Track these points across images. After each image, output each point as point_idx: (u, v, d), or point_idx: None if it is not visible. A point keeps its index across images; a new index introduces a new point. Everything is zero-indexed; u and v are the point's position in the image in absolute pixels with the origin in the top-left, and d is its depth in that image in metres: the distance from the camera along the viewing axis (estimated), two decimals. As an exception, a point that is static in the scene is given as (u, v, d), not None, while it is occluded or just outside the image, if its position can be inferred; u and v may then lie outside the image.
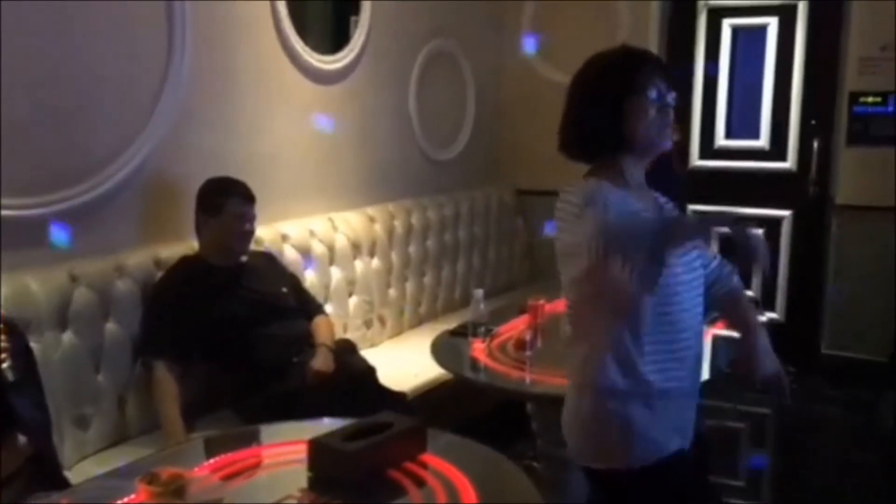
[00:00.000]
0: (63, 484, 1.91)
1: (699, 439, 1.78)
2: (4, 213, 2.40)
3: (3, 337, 1.73)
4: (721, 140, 4.72)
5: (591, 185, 1.65)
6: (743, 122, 4.69)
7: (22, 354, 1.93)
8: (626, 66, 1.70)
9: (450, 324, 3.04)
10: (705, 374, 1.86)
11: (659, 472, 1.67)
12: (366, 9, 3.76)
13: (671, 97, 1.69)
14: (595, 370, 1.68)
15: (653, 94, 1.66)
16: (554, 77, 4.70)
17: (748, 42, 4.64)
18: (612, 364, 1.65)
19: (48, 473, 1.90)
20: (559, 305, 2.96)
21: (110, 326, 2.60)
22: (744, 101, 4.68)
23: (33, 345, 2.27)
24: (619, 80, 1.67)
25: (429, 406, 2.95)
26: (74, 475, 2.23)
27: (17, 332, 1.97)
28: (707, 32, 4.69)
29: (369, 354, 3.10)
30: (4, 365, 1.70)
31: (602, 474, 1.73)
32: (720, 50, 4.66)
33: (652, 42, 4.53)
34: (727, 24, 4.65)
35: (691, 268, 1.71)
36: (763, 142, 4.62)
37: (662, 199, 1.81)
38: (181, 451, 2.14)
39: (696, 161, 4.74)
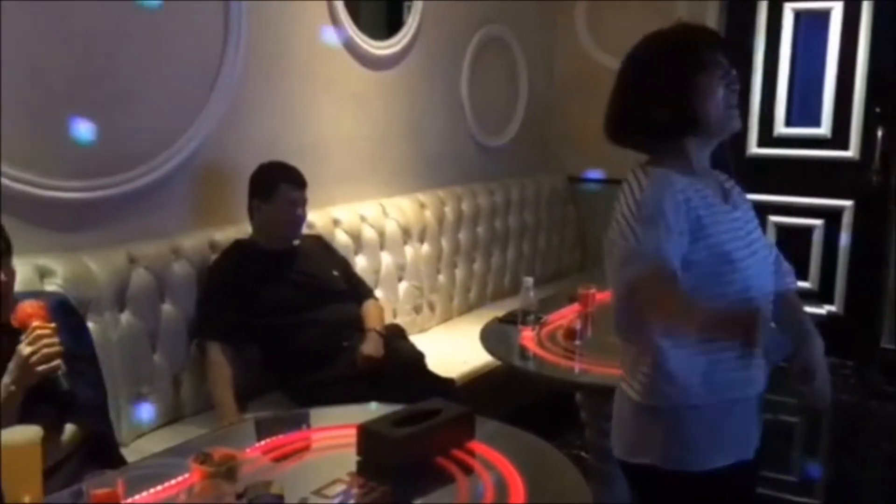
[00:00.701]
0: (119, 462, 1.94)
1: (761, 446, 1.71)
2: (66, 195, 2.47)
3: (56, 340, 1.72)
4: (781, 128, 4.60)
5: (659, 179, 1.56)
6: (804, 109, 4.56)
7: (78, 335, 1.96)
8: (692, 42, 1.62)
9: (499, 311, 3.03)
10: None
11: (704, 483, 1.61)
12: (420, -8, 3.76)
13: (735, 76, 1.61)
14: (648, 369, 1.61)
15: (720, 71, 1.58)
16: (607, 63, 4.64)
17: (810, 27, 4.51)
18: (665, 365, 1.58)
19: (105, 451, 1.94)
20: (610, 294, 2.94)
21: (166, 307, 2.66)
22: (805, 88, 4.55)
23: (92, 324, 2.33)
24: (686, 57, 1.59)
25: (477, 393, 2.94)
26: (131, 452, 2.28)
27: (73, 314, 2.00)
28: (768, 16, 4.56)
29: (418, 340, 3.11)
30: (60, 371, 1.71)
31: (640, 472, 1.69)
32: (781, 35, 4.54)
33: (710, 26, 4.43)
34: (789, 9, 4.52)
35: (760, 258, 1.63)
36: (825, 130, 4.48)
37: (728, 183, 1.72)
38: (233, 432, 2.16)
39: (754, 149, 4.63)
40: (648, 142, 1.66)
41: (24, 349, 1.69)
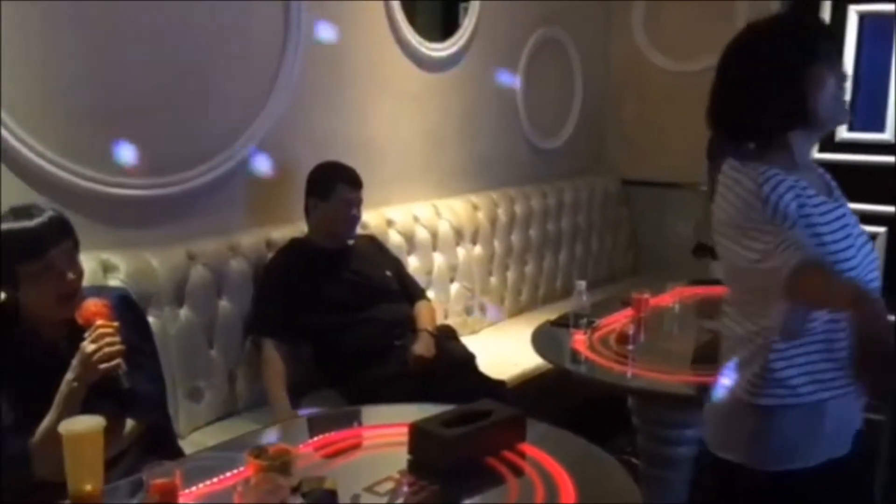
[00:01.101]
0: (178, 454, 1.99)
1: (858, 444, 1.66)
2: (129, 192, 2.54)
3: (118, 339, 1.76)
4: (843, 133, 4.48)
5: (771, 180, 1.51)
6: (868, 114, 4.43)
7: (139, 329, 2.00)
8: (805, 30, 1.58)
9: (550, 314, 3.02)
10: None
11: (802, 480, 1.58)
12: (476, -5, 3.76)
13: (843, 67, 1.59)
14: (760, 369, 1.57)
15: (831, 61, 1.55)
16: (664, 65, 4.59)
17: (875, 30, 4.39)
18: (777, 361, 1.55)
19: (163, 443, 1.98)
20: (664, 299, 2.91)
21: (223, 304, 2.71)
22: (869, 93, 4.43)
23: (152, 319, 2.39)
24: (800, 45, 1.55)
25: (527, 396, 2.94)
26: (187, 445, 2.33)
27: (135, 309, 2.05)
28: (832, 19, 4.45)
29: (469, 341, 3.11)
30: (121, 370, 1.76)
31: (736, 469, 1.63)
32: (845, 38, 4.42)
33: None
34: (853, 11, 4.40)
35: (865, 253, 1.60)
36: (889, 135, 4.36)
37: (829, 179, 1.69)
38: (286, 428, 2.19)
39: (816, 154, 4.52)
40: (752, 135, 1.62)
41: (88, 346, 1.74)
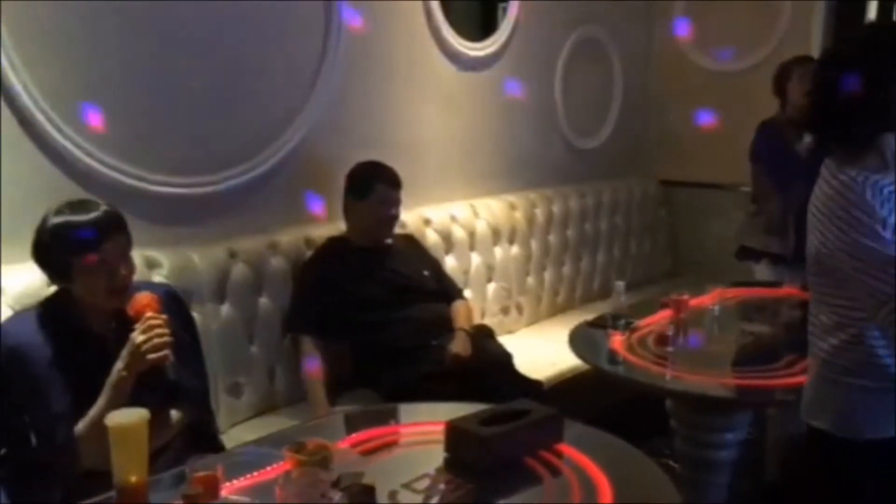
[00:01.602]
0: (219, 448, 2.02)
1: None
2: (172, 190, 2.58)
3: (167, 331, 1.80)
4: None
5: (869, 184, 1.61)
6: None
7: (185, 325, 2.04)
8: (892, 45, 1.66)
9: (587, 315, 3.01)
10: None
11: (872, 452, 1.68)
12: (515, -5, 3.76)
13: None
14: (853, 344, 1.69)
15: None
16: (705, 65, 4.54)
17: (924, 27, 4.30)
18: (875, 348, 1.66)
19: (206, 438, 2.01)
20: (704, 301, 2.88)
21: (263, 301, 2.74)
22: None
23: (195, 315, 2.41)
24: (887, 60, 1.64)
25: (564, 396, 2.93)
26: (228, 440, 2.35)
27: (181, 304, 2.09)
28: (878, 15, 4.36)
29: (505, 341, 3.11)
30: (169, 362, 1.80)
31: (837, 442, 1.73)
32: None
33: (815, 31, 4.26)
34: (901, 10, 4.31)
35: None
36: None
37: None
38: (324, 424, 2.22)
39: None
40: (846, 136, 1.70)
41: (137, 337, 1.78)
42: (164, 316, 1.82)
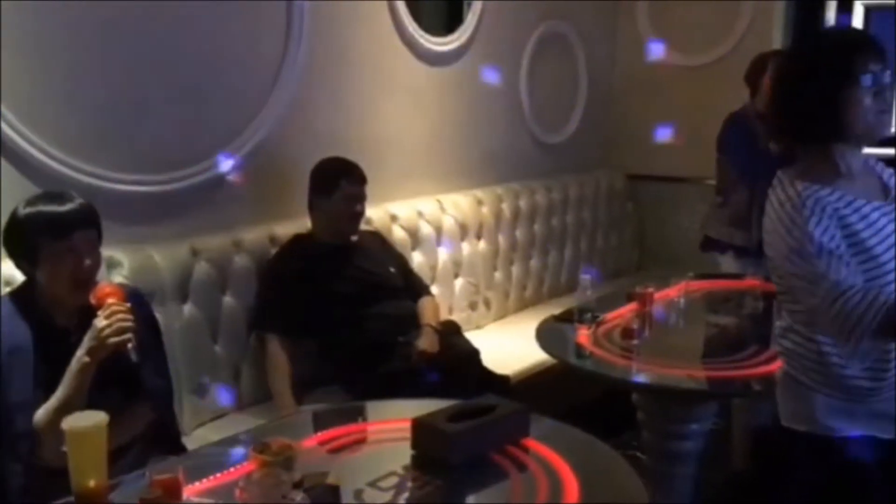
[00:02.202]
0: (181, 450, 1.99)
1: None
2: (132, 188, 2.54)
3: (130, 317, 1.79)
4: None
5: (812, 208, 1.59)
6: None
7: (148, 325, 2.02)
8: (842, 52, 1.63)
9: (555, 309, 3.01)
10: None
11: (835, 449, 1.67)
12: (479, -10, 3.75)
13: (887, 77, 1.61)
14: (813, 356, 1.68)
15: (867, 80, 1.59)
16: (669, 60, 4.57)
17: (882, 23, 4.36)
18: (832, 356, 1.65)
19: (168, 439, 1.99)
20: (669, 294, 2.90)
21: (227, 300, 2.71)
22: (876, 86, 4.41)
23: (157, 315, 2.38)
24: (835, 68, 1.60)
25: (532, 391, 2.93)
26: (192, 440, 2.34)
27: (144, 304, 2.06)
28: (837, 12, 4.43)
29: (473, 337, 3.11)
30: (130, 345, 1.78)
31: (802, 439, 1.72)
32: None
33: (776, 26, 4.32)
34: (859, 4, 4.38)
35: None
36: (895, 131, 4.34)
37: (886, 174, 1.73)
38: (290, 423, 2.20)
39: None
40: (799, 144, 1.70)
41: (100, 322, 1.77)
42: (127, 304, 1.82)
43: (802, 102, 1.63)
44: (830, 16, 4.42)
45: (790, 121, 1.68)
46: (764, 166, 3.04)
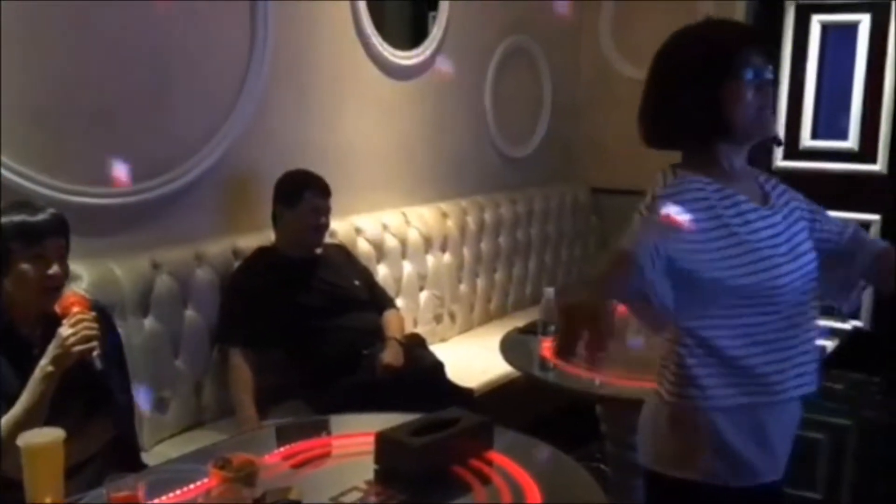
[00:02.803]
0: (140, 466, 1.96)
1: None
2: (92, 201, 2.50)
3: (96, 325, 1.79)
4: (807, 141, 4.56)
5: (680, 184, 1.51)
6: (831, 122, 4.52)
7: (112, 340, 1.99)
8: (720, 43, 1.53)
9: (520, 321, 3.03)
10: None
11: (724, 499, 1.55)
12: (444, 4, 3.77)
13: (769, 72, 1.51)
14: (674, 375, 1.54)
15: (749, 74, 1.48)
16: (631, 73, 4.63)
17: (838, 40, 4.47)
18: (690, 371, 1.51)
19: (127, 455, 1.97)
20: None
21: (189, 313, 2.68)
22: (832, 101, 4.51)
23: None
24: (713, 60, 1.50)
25: (496, 403, 2.94)
26: (152, 456, 2.30)
27: (108, 318, 2.04)
28: (795, 30, 4.53)
29: (438, 349, 3.11)
30: (95, 353, 1.77)
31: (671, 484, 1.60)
32: (808, 47, 4.50)
33: (742, 22, 4.40)
34: (816, 21, 4.49)
35: (802, 263, 1.54)
36: (852, 143, 4.44)
37: (770, 184, 1.63)
38: (253, 438, 2.18)
39: (780, 162, 4.59)
40: (679, 144, 1.60)
41: (65, 331, 1.76)
42: (92, 313, 1.81)
43: (682, 101, 1.52)
44: (788, 32, 4.53)
45: (669, 121, 1.55)
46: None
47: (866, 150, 4.39)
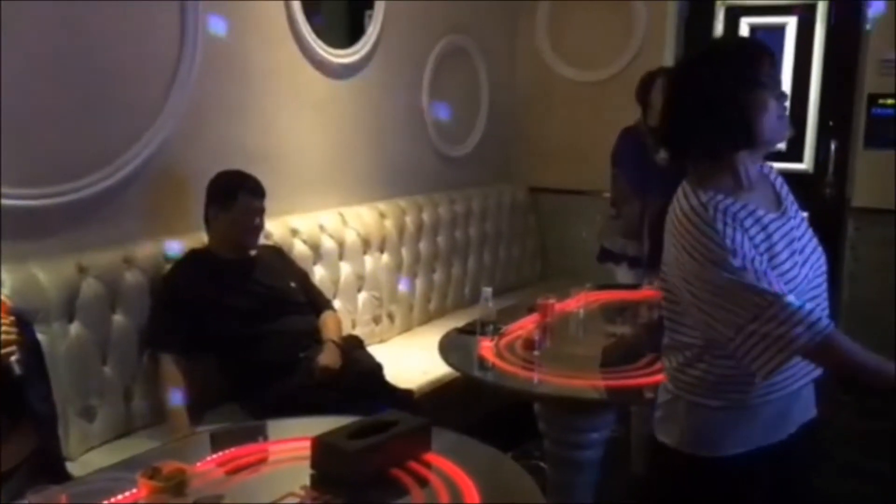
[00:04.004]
0: (65, 477, 1.90)
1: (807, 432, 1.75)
2: (13, 203, 2.40)
3: (14, 330, 1.73)
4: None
5: (719, 213, 1.57)
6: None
7: (30, 347, 1.93)
8: (748, 57, 1.63)
9: (460, 321, 3.02)
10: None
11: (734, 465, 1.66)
12: (380, 3, 3.74)
13: (781, 82, 1.65)
14: (692, 364, 1.67)
15: (772, 83, 1.61)
16: (567, 74, 4.69)
17: (766, 42, 4.59)
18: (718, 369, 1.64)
19: (51, 466, 1.90)
20: (569, 304, 2.95)
21: (118, 318, 2.60)
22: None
23: (40, 336, 2.27)
24: (740, 75, 1.60)
25: (436, 404, 2.93)
26: (80, 466, 2.23)
27: (26, 325, 1.97)
28: (725, 31, 4.64)
29: (377, 351, 3.09)
30: (13, 358, 1.71)
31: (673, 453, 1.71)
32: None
33: (668, 41, 4.49)
34: (745, 23, 4.60)
35: (811, 266, 1.67)
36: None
37: (781, 188, 1.75)
38: (186, 445, 2.14)
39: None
40: (701, 155, 1.66)
41: None
42: (11, 317, 1.75)
43: (710, 112, 1.61)
44: (718, 34, 4.63)
45: (698, 133, 1.64)
46: (655, 180, 3.16)
47: (792, 150, 4.52)
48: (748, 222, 1.59)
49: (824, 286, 1.72)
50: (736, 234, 1.55)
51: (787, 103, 1.65)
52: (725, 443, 1.66)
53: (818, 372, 1.69)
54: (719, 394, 1.65)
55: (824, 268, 1.72)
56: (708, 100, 1.61)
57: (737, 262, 1.53)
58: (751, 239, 1.58)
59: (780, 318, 1.50)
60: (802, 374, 1.66)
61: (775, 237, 1.62)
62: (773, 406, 1.66)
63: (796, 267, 1.63)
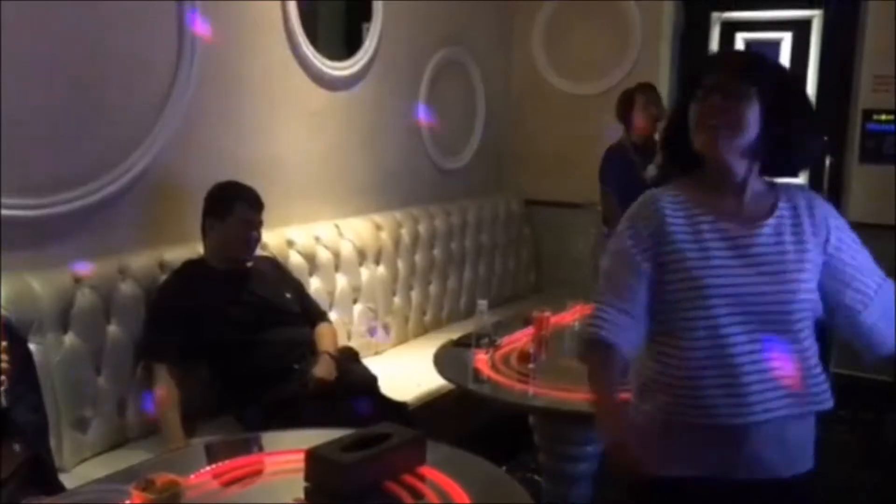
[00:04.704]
0: (58, 488, 1.90)
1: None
2: (9, 213, 2.40)
3: (5, 358, 1.72)
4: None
5: (643, 198, 1.67)
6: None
7: (22, 360, 1.92)
8: (696, 71, 1.67)
9: (455, 333, 3.02)
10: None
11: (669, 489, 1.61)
12: (377, 16, 3.76)
13: (716, 90, 1.60)
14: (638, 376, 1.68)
15: (700, 93, 1.60)
16: (564, 86, 4.70)
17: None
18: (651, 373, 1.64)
19: (43, 477, 1.89)
20: (564, 317, 2.95)
21: (112, 329, 2.59)
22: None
23: (34, 346, 2.27)
24: (688, 87, 1.66)
25: (430, 416, 2.92)
26: (73, 478, 2.22)
27: (18, 338, 1.97)
28: (720, 46, 4.67)
29: (372, 363, 3.08)
30: (2, 388, 1.69)
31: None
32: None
33: (664, 55, 4.52)
34: (741, 38, 4.65)
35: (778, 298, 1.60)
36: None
37: (786, 209, 1.70)
38: (180, 457, 2.13)
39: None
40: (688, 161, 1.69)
41: None
42: (3, 343, 1.74)
43: (671, 121, 1.70)
44: (713, 48, 4.66)
45: (667, 140, 1.74)
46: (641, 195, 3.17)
47: (788, 164, 4.53)
48: (683, 216, 1.60)
49: (788, 309, 1.61)
50: (637, 225, 1.63)
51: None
52: (658, 459, 1.57)
53: (787, 411, 1.61)
54: (646, 394, 1.64)
55: (796, 295, 1.61)
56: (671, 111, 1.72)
57: (611, 247, 1.66)
58: (669, 224, 1.59)
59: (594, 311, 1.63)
60: (762, 410, 1.56)
61: (717, 245, 1.59)
62: (713, 432, 1.56)
63: (739, 294, 1.57)
